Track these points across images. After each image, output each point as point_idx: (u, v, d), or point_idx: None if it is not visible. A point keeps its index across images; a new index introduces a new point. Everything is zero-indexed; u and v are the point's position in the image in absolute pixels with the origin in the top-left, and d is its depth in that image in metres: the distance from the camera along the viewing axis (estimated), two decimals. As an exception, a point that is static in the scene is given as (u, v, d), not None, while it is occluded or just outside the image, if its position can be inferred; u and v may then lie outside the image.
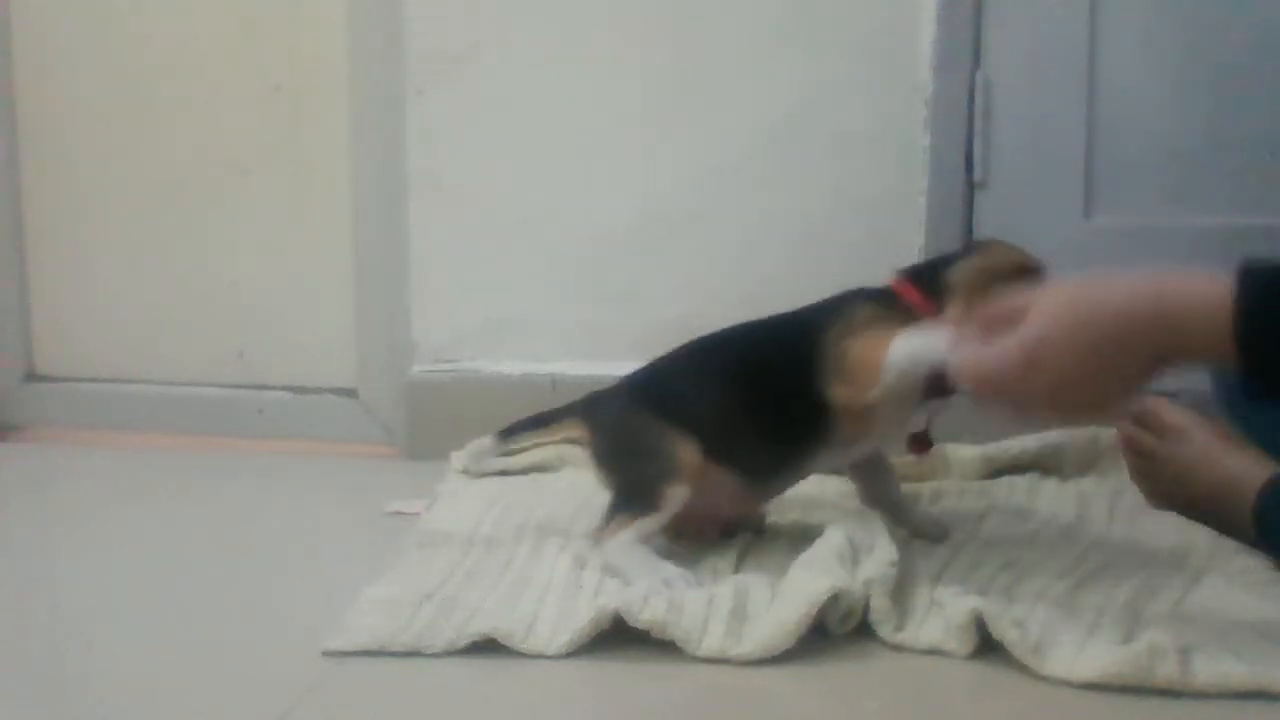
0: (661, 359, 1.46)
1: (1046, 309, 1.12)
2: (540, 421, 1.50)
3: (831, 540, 1.36)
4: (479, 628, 1.26)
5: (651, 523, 1.37)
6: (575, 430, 1.47)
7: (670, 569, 1.34)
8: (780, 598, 1.27)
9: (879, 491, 1.50)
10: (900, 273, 1.42)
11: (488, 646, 1.25)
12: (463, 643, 1.25)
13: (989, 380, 1.16)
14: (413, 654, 1.25)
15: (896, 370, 1.32)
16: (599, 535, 1.39)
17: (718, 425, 1.38)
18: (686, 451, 1.37)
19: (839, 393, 1.36)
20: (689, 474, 1.37)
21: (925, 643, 1.24)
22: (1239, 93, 1.85)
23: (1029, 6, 1.86)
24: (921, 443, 1.45)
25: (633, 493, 1.38)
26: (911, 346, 1.32)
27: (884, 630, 1.25)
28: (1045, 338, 1.11)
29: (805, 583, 1.26)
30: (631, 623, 1.24)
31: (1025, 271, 1.36)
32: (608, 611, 1.25)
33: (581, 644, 1.24)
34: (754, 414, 1.39)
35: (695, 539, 1.44)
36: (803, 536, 1.45)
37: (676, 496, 1.36)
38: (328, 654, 1.25)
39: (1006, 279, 1.32)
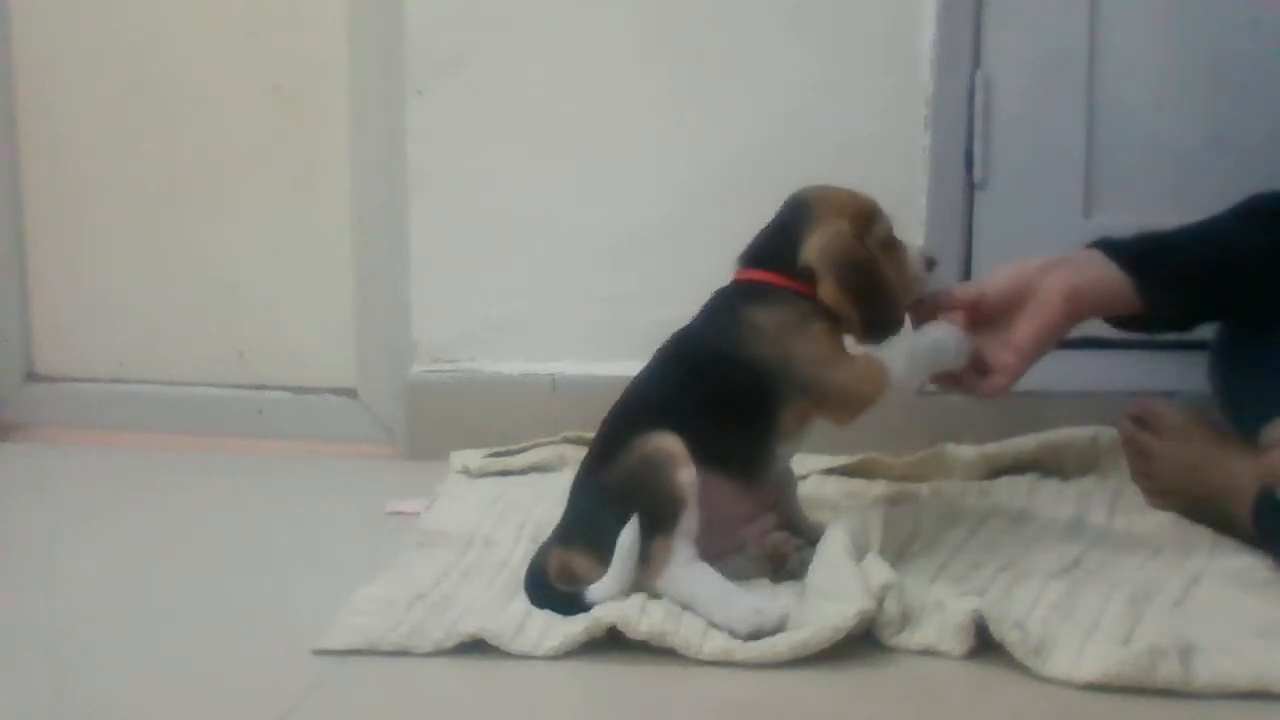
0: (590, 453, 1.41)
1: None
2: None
3: (836, 542, 1.35)
4: (466, 628, 1.26)
5: (686, 524, 1.29)
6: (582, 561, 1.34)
7: (747, 597, 1.28)
8: (803, 622, 1.26)
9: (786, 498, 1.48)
10: (747, 261, 1.44)
11: (488, 647, 1.25)
12: (451, 643, 1.26)
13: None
14: (402, 653, 1.25)
15: (904, 380, 1.40)
16: (646, 577, 1.30)
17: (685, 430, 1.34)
18: (665, 439, 1.32)
19: (840, 416, 1.40)
20: (681, 456, 1.31)
21: (920, 643, 1.24)
22: (1239, 93, 1.84)
23: (1029, 6, 1.86)
24: None
25: (647, 511, 1.30)
26: (917, 354, 1.41)
27: (884, 632, 1.25)
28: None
29: (830, 613, 1.24)
30: (630, 635, 1.24)
31: (865, 217, 1.42)
32: (603, 624, 1.24)
33: (572, 649, 1.24)
34: (707, 425, 1.35)
35: (725, 554, 1.38)
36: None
37: (688, 480, 1.30)
38: (318, 652, 1.25)
39: (856, 241, 1.39)
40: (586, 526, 1.35)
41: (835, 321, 1.40)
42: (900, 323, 1.43)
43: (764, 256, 1.43)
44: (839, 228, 1.40)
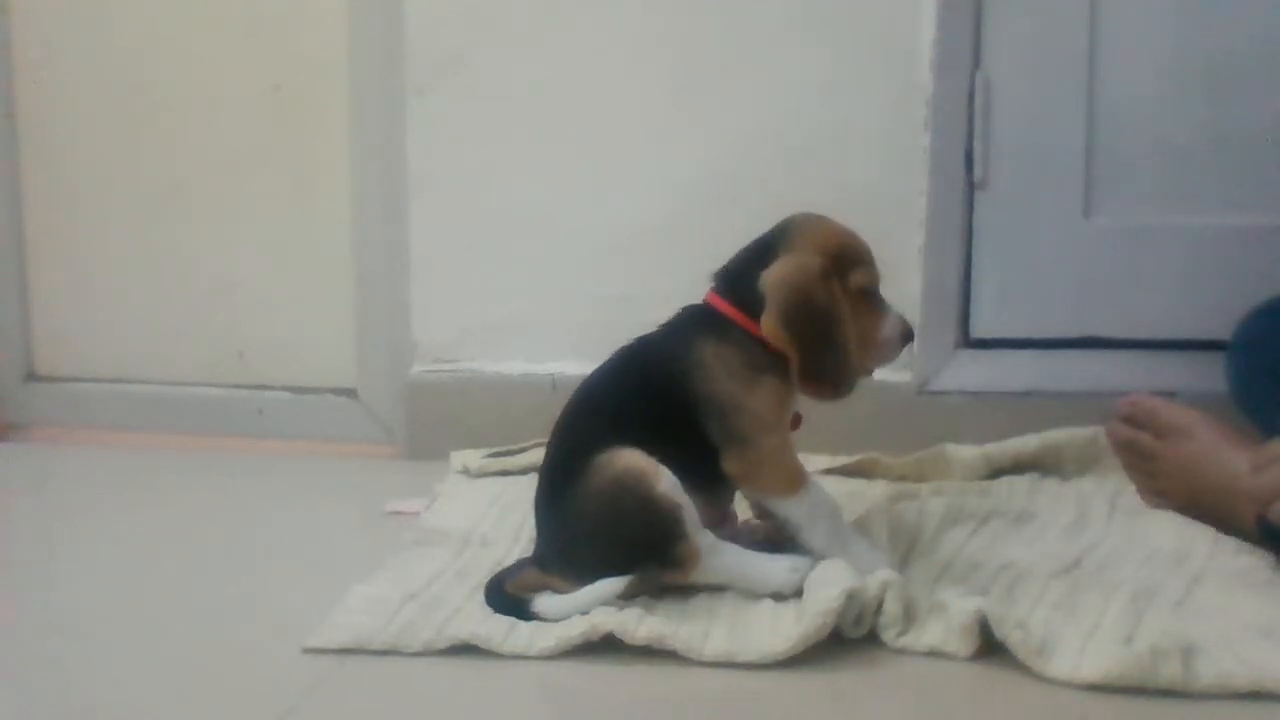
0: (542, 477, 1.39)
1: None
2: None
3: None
4: (456, 632, 1.26)
5: (691, 520, 1.28)
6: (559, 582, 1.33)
7: (778, 559, 1.32)
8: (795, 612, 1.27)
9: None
10: (718, 282, 1.38)
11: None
12: (440, 644, 1.26)
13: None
14: (391, 652, 1.25)
15: (807, 516, 1.34)
16: (678, 578, 1.30)
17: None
18: (626, 456, 1.29)
19: (743, 481, 1.36)
20: (650, 468, 1.28)
21: (925, 645, 1.24)
22: (1238, 93, 1.84)
23: (1029, 6, 1.86)
24: (796, 418, 1.39)
25: (643, 540, 1.29)
26: (837, 531, 1.35)
27: (888, 634, 1.25)
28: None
29: (819, 599, 1.25)
30: (629, 641, 1.24)
31: (848, 258, 1.34)
32: (600, 630, 1.24)
33: (566, 650, 1.24)
34: (657, 440, 1.32)
35: None
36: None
37: (669, 486, 1.28)
38: (308, 651, 1.25)
39: (821, 279, 1.30)
40: (558, 553, 1.34)
41: (786, 371, 1.33)
42: (846, 383, 1.32)
43: (733, 281, 1.36)
44: (808, 260, 1.31)
